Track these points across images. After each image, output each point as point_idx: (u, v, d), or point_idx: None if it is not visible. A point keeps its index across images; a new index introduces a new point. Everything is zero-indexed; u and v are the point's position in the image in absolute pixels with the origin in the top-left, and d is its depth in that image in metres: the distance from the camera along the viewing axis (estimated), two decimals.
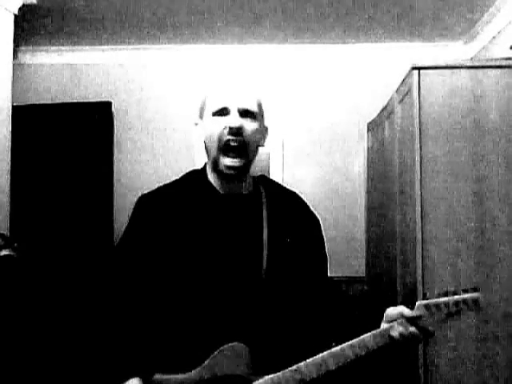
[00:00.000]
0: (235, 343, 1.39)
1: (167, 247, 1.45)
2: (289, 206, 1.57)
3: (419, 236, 2.65)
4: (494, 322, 2.57)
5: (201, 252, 1.45)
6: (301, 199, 1.62)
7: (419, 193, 2.66)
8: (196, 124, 1.58)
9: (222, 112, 1.47)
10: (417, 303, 1.41)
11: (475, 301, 1.38)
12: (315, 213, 1.62)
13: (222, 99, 1.48)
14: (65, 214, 4.32)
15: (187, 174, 1.59)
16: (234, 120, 1.45)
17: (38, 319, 3.04)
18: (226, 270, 1.44)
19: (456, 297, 1.39)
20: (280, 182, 4.50)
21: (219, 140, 1.46)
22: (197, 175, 1.56)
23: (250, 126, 1.47)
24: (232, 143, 1.45)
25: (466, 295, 1.39)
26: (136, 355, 1.42)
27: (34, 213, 4.32)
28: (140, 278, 1.46)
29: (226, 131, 1.45)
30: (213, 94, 1.51)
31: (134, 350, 1.42)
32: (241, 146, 1.46)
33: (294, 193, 1.64)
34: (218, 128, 1.46)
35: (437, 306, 1.39)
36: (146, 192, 1.57)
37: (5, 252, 2.77)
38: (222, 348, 1.39)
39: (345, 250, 4.54)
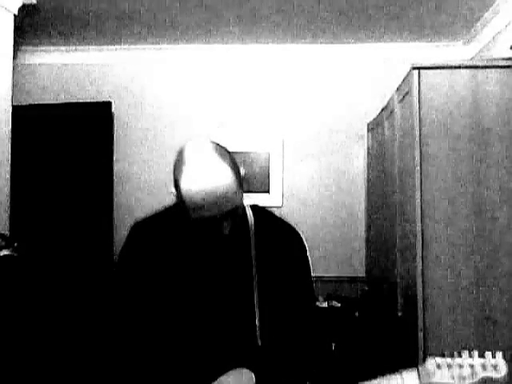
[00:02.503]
0: (242, 369, 1.39)
1: (159, 274, 1.46)
2: (275, 234, 1.53)
3: (419, 236, 2.65)
4: (495, 323, 2.57)
5: (191, 279, 1.45)
6: (291, 229, 1.58)
7: (419, 193, 2.66)
8: (173, 195, 1.44)
9: (208, 218, 1.36)
10: (428, 359, 1.34)
11: (495, 366, 1.30)
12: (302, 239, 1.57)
13: (203, 211, 1.33)
14: (65, 214, 4.32)
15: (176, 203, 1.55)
16: (226, 229, 1.37)
17: (38, 319, 3.04)
18: (219, 294, 1.45)
19: (472, 360, 1.31)
20: (280, 182, 4.54)
21: (207, 234, 1.41)
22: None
23: (233, 218, 1.39)
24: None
25: (485, 359, 1.30)
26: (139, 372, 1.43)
27: (34, 213, 4.33)
28: (135, 304, 1.47)
29: (218, 235, 1.39)
30: (190, 199, 1.33)
31: (142, 364, 1.44)
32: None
33: (289, 226, 1.59)
34: (207, 231, 1.39)
35: (449, 365, 1.32)
36: (139, 220, 1.55)
37: (5, 252, 2.77)
38: (228, 373, 1.38)
39: (345, 249, 4.54)
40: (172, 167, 1.41)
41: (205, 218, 1.34)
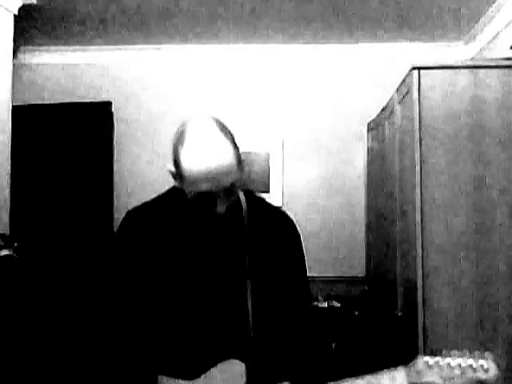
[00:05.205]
0: (232, 360, 1.37)
1: (152, 261, 1.45)
2: (268, 219, 1.53)
3: (419, 236, 2.65)
4: (495, 323, 2.57)
5: (184, 264, 1.44)
6: (283, 214, 1.57)
7: (419, 193, 2.66)
8: (170, 171, 1.45)
9: (205, 193, 1.35)
10: (418, 357, 1.34)
11: (484, 367, 1.29)
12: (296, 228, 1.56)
13: (203, 184, 1.32)
14: (65, 214, 4.32)
15: (170, 189, 1.56)
16: (221, 207, 1.36)
17: (38, 319, 3.04)
18: (211, 280, 1.43)
19: (462, 360, 1.30)
20: (280, 182, 4.54)
21: (203, 211, 1.40)
22: (179, 190, 1.50)
23: (229, 196, 1.38)
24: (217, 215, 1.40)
25: (474, 360, 1.29)
26: (138, 359, 1.42)
27: (34, 213, 4.33)
28: (132, 287, 1.46)
29: (213, 214, 1.38)
30: (189, 170, 1.33)
31: (136, 354, 1.43)
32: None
33: (279, 210, 1.59)
34: (203, 207, 1.38)
35: (439, 365, 1.31)
36: (132, 208, 1.55)
37: (5, 252, 2.77)
38: (219, 364, 1.37)
39: (345, 249, 4.54)
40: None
41: (201, 194, 1.33)
